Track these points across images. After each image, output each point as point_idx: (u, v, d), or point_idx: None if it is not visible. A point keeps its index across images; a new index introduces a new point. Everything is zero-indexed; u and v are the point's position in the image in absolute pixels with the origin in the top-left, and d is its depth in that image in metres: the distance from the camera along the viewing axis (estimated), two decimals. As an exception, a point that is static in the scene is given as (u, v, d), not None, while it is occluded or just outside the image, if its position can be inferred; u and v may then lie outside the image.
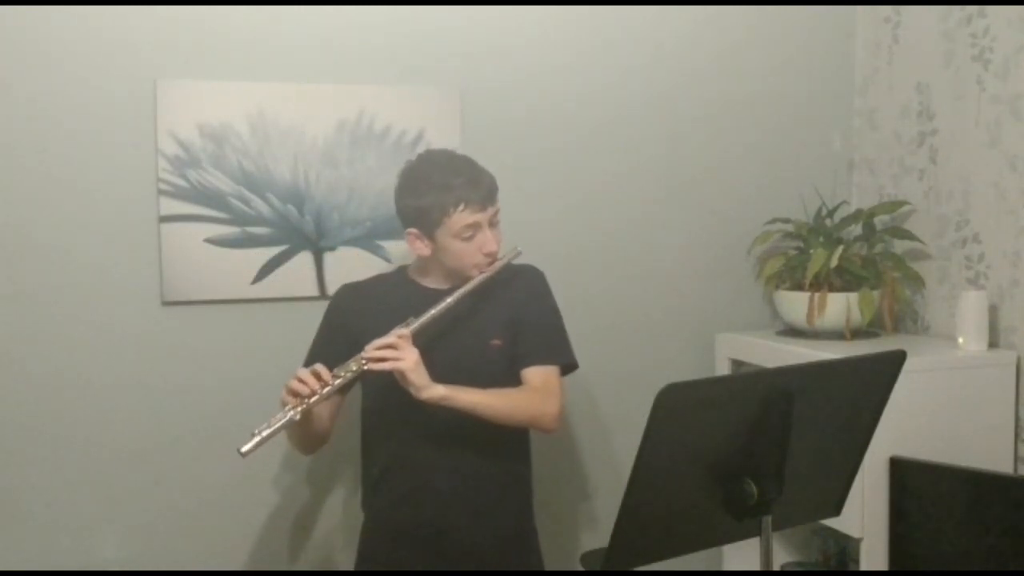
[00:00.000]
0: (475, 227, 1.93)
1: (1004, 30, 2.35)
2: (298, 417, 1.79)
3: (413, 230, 1.98)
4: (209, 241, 2.33)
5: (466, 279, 1.97)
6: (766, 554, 1.52)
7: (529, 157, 2.56)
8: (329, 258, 2.42)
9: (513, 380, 1.99)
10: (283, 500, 2.44)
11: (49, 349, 2.25)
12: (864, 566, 2.25)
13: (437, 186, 1.92)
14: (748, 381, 1.60)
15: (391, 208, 2.41)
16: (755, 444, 1.45)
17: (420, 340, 1.87)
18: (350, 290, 2.12)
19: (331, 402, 2.01)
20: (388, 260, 2.44)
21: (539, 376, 1.99)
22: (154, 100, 2.27)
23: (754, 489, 1.44)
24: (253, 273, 2.37)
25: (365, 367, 1.82)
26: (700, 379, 1.70)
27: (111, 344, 2.29)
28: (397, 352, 1.81)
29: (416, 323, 1.88)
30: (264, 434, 1.76)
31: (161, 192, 2.29)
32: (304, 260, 2.40)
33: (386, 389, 1.90)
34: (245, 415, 2.36)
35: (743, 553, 2.58)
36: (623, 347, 2.68)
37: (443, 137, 2.45)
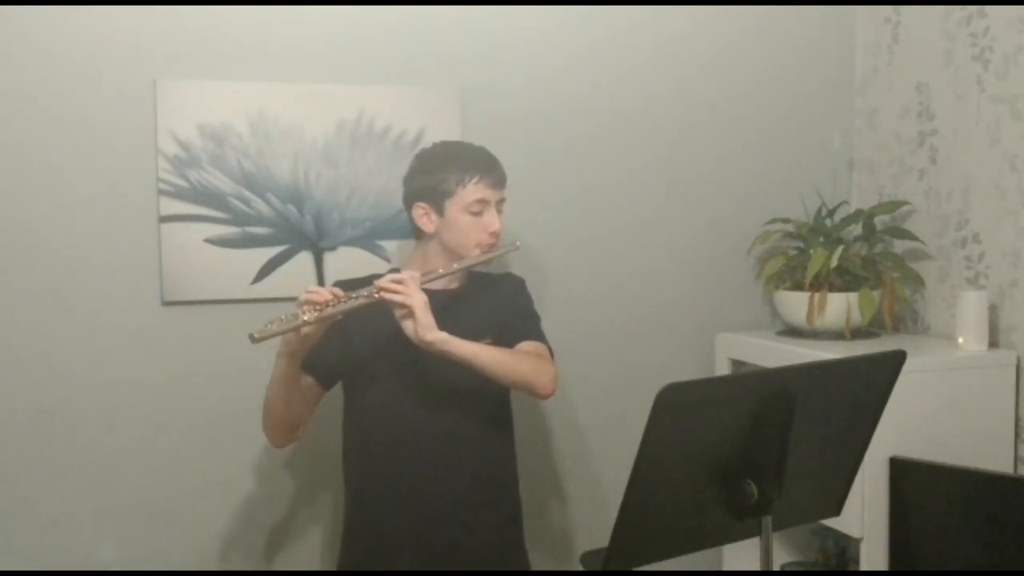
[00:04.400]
0: (484, 204, 2.00)
1: (1004, 30, 2.35)
2: (310, 319, 1.80)
3: (422, 204, 2.03)
4: (209, 241, 2.33)
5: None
6: (766, 554, 1.52)
7: (529, 157, 2.55)
8: (329, 258, 2.42)
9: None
10: (283, 499, 2.45)
11: (49, 349, 2.25)
12: (864, 566, 2.25)
13: (455, 161, 2.02)
14: (748, 381, 1.60)
15: (391, 208, 2.44)
16: (755, 444, 1.45)
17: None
18: (343, 286, 2.09)
19: (311, 394, 2.03)
20: (388, 260, 2.45)
21: (532, 347, 2.06)
22: (154, 100, 2.27)
23: (754, 489, 1.45)
24: (253, 273, 2.37)
25: (377, 295, 1.85)
26: (700, 379, 1.70)
27: (111, 344, 2.29)
28: (407, 288, 1.85)
29: (428, 277, 1.93)
30: (280, 327, 1.79)
31: (161, 192, 2.29)
32: (304, 260, 2.40)
33: (382, 342, 1.95)
34: (245, 415, 2.37)
35: (743, 553, 2.58)
36: (623, 347, 2.68)
37: (443, 137, 2.44)
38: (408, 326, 1.85)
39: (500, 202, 2.05)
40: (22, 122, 2.20)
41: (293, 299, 2.36)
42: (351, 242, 2.43)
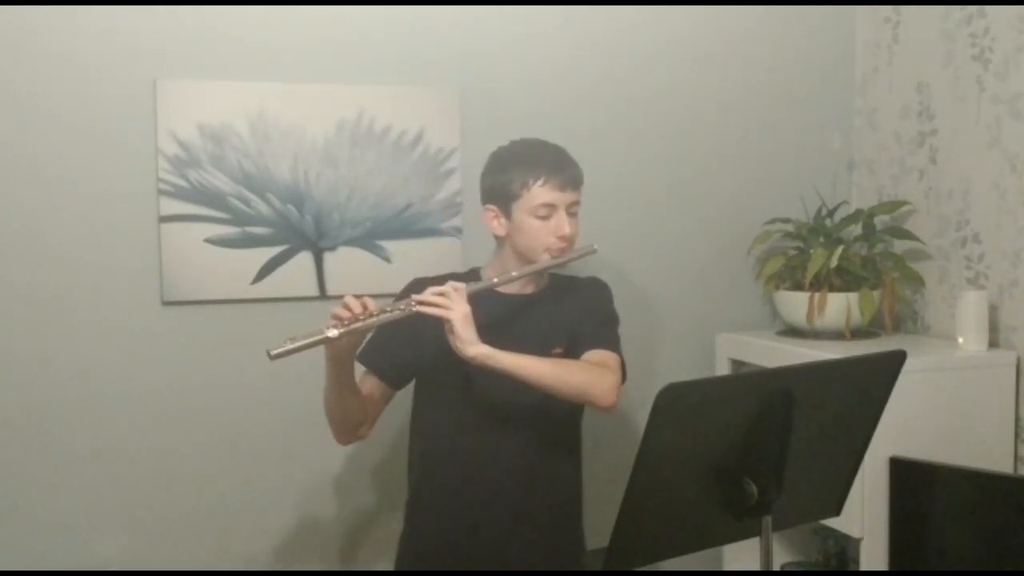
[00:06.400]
0: (552, 207, 1.93)
1: (1004, 30, 2.35)
2: (333, 335, 1.72)
3: (492, 207, 1.98)
4: (209, 241, 2.33)
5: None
6: (766, 554, 1.52)
7: (529, 157, 2.55)
8: (329, 258, 2.42)
9: None
10: (284, 500, 2.44)
11: (49, 349, 2.25)
12: (864, 566, 2.25)
13: (522, 161, 1.95)
14: (748, 381, 1.60)
15: (391, 208, 2.45)
16: (755, 444, 1.45)
17: (482, 339, 1.81)
18: (422, 284, 2.03)
19: (377, 393, 1.99)
20: (388, 260, 2.44)
21: (597, 356, 1.96)
22: (154, 100, 2.27)
23: (754, 489, 1.44)
24: (253, 273, 2.37)
25: (414, 309, 1.78)
26: (700, 379, 1.70)
27: (111, 344, 2.29)
28: (448, 301, 1.77)
29: (475, 287, 1.86)
30: (297, 344, 1.70)
31: (161, 192, 2.29)
32: (304, 260, 2.40)
33: (443, 366, 1.88)
34: (245, 415, 2.38)
35: (743, 553, 2.58)
36: (623, 347, 2.67)
37: (443, 137, 2.45)
38: (452, 340, 1.77)
39: (572, 204, 1.97)
40: (22, 122, 2.20)
41: (293, 299, 2.38)
42: (351, 242, 2.43)
